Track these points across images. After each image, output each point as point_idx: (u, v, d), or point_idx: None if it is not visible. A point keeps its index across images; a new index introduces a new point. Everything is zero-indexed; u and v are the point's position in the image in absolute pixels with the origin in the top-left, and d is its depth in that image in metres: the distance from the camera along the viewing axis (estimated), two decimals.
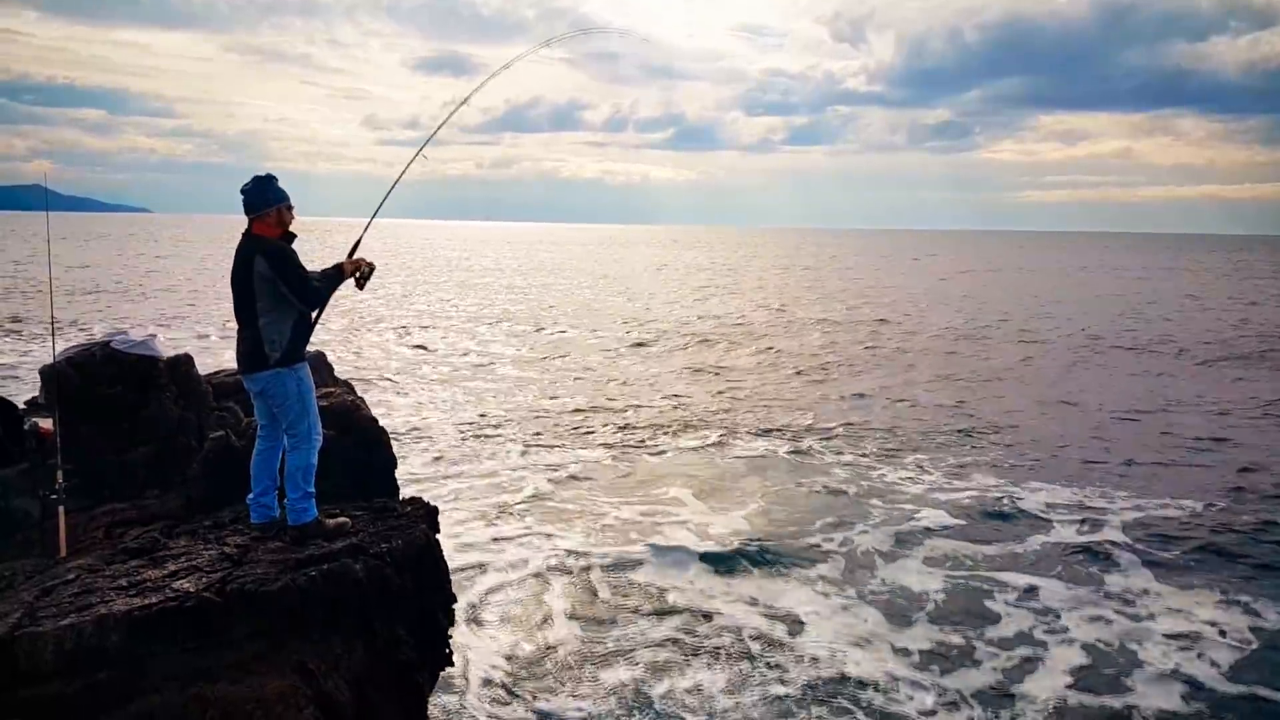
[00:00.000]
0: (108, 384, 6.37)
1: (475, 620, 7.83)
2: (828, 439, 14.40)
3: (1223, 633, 7.71)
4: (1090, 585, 8.68)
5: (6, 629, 4.08)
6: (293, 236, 5.43)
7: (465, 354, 23.29)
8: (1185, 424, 15.61)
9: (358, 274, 5.55)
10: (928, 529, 10.13)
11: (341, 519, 5.37)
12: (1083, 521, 10.37)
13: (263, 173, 5.37)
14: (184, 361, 6.94)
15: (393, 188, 6.04)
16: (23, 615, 4.22)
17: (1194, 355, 23.74)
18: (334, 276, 5.44)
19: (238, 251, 5.29)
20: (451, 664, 5.75)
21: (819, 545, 9.63)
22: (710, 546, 9.57)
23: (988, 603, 8.32)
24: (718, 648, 7.43)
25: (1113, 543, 9.68)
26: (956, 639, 7.63)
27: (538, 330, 28.74)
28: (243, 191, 5.29)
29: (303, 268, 5.26)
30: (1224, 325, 31.16)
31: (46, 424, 5.95)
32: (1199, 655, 7.34)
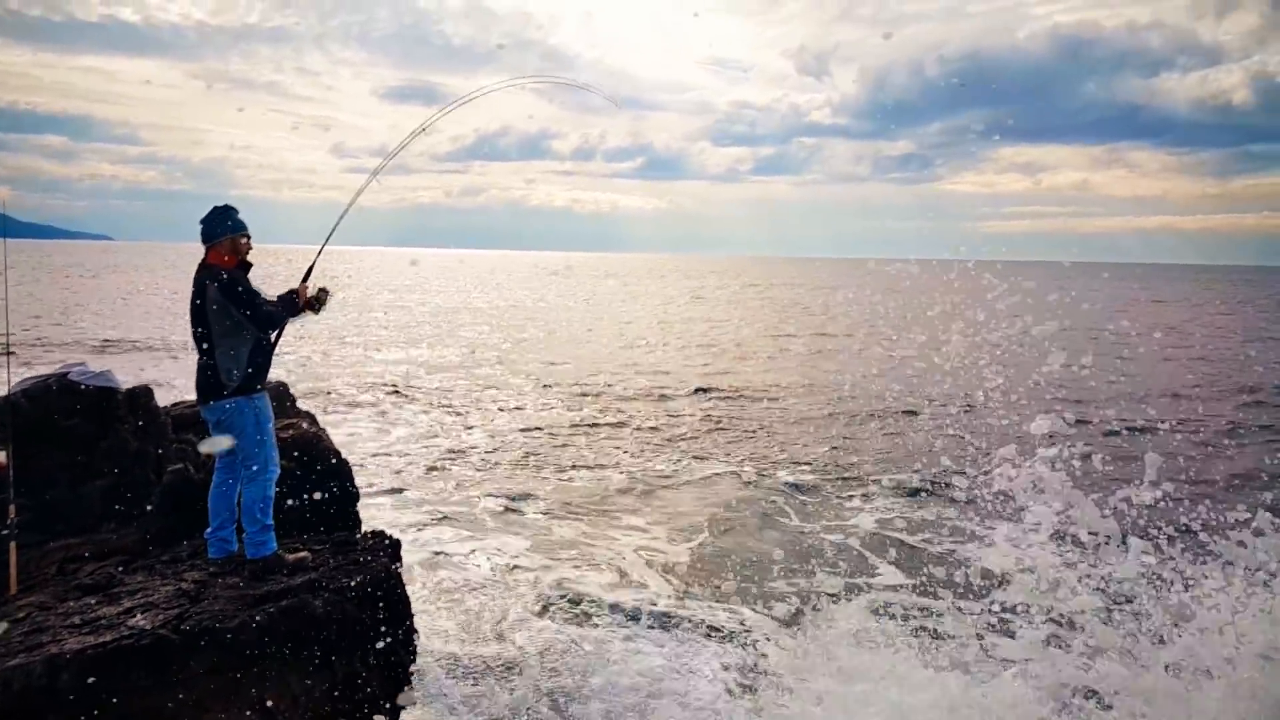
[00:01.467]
0: (64, 416, 6.28)
1: (439, 654, 7.73)
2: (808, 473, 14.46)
3: None
4: None
5: None
6: (248, 266, 5.46)
7: (433, 385, 23.15)
8: None
9: (313, 299, 5.55)
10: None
11: (302, 554, 5.32)
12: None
13: (222, 203, 5.44)
14: (143, 393, 6.85)
15: (343, 215, 6.06)
16: None
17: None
18: (288, 301, 5.44)
19: (194, 281, 5.32)
20: (414, 700, 5.67)
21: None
22: (681, 580, 9.53)
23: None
24: (685, 693, 7.38)
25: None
26: None
27: (502, 362, 28.65)
28: (200, 222, 5.33)
29: (254, 292, 5.28)
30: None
31: None
32: None
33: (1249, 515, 7.18)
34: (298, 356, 26.47)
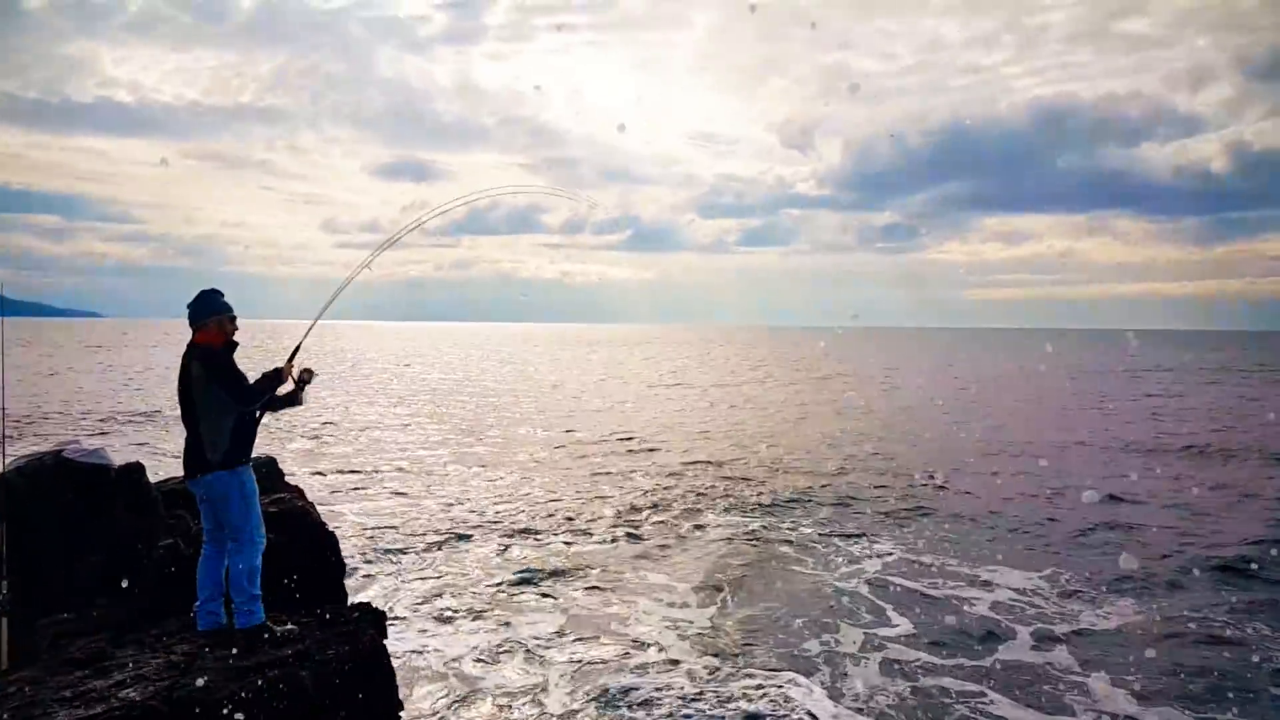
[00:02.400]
0: (58, 493, 6.40)
1: None
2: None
3: None
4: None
5: None
6: (234, 345, 5.73)
7: (420, 459, 23.22)
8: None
9: (297, 379, 5.81)
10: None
11: (289, 627, 5.44)
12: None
13: (209, 286, 5.75)
14: (135, 470, 7.00)
15: (334, 298, 6.37)
16: None
17: None
18: (271, 377, 5.68)
19: (182, 360, 5.59)
20: None
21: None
22: (680, 646, 9.57)
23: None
24: None
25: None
26: None
27: (492, 435, 28.74)
28: (188, 306, 5.64)
29: (237, 369, 5.54)
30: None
31: None
32: None
33: None
34: (303, 430, 26.55)
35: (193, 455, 5.50)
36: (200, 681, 4.65)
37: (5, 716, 4.37)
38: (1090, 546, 14.09)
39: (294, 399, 5.90)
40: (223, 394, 5.44)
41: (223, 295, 5.73)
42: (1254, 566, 12.53)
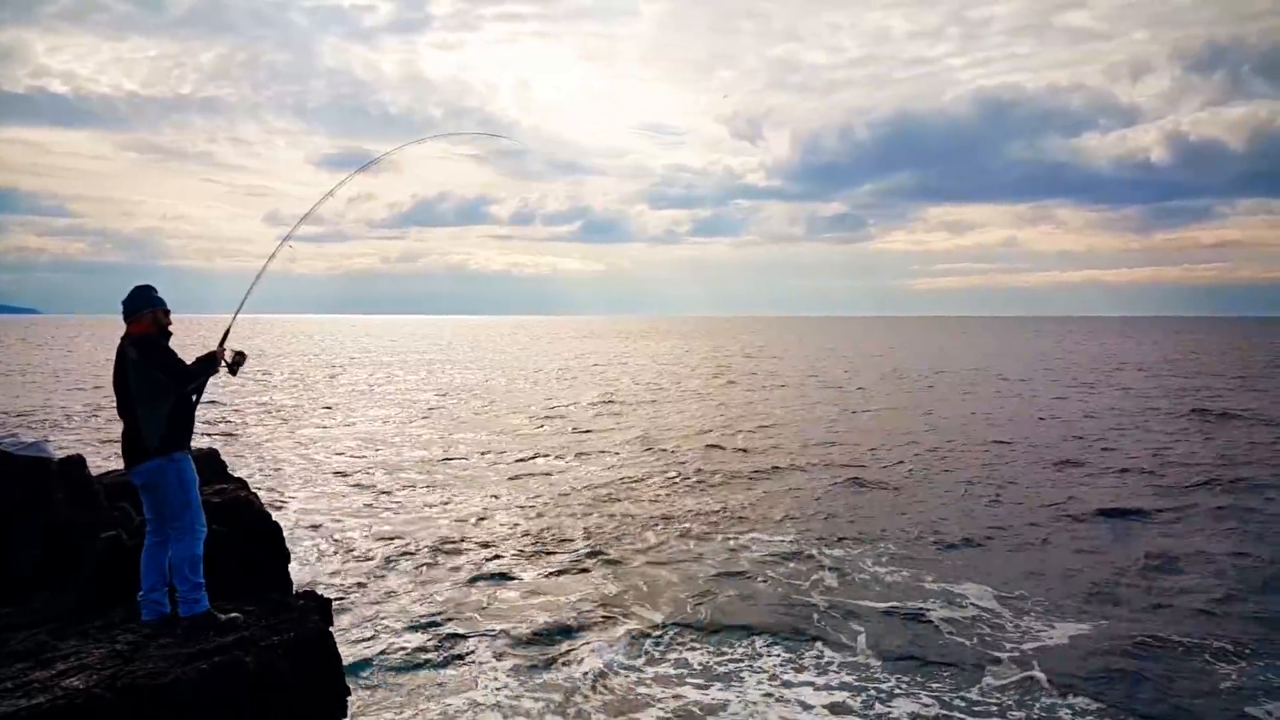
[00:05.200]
0: None
1: (369, 712, 7.84)
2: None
3: None
4: None
5: None
6: (169, 335, 5.83)
7: (366, 448, 23.11)
8: None
9: (230, 362, 5.95)
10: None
11: (233, 614, 5.50)
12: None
13: (144, 281, 5.85)
14: (75, 462, 6.96)
15: (256, 280, 6.58)
16: None
17: None
18: (205, 360, 5.82)
19: (117, 351, 5.69)
20: None
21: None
22: (631, 644, 9.61)
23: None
24: None
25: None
26: None
27: (433, 423, 28.67)
28: (123, 302, 5.73)
29: (172, 352, 5.64)
30: None
31: None
32: None
33: None
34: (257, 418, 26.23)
35: (131, 444, 5.59)
36: (145, 668, 4.70)
37: None
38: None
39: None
40: (160, 375, 5.53)
41: (155, 290, 5.84)
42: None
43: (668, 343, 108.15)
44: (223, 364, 5.92)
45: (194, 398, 5.82)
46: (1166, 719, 7.85)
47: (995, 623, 10.01)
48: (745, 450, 22.45)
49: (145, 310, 5.71)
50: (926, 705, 8.07)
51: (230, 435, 24.65)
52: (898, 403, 34.01)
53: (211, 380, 6.10)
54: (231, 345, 6.03)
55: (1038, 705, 8.07)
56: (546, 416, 30.09)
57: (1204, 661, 8.94)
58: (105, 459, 16.97)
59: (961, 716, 7.88)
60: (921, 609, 10.37)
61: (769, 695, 8.27)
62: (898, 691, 8.32)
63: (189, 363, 5.70)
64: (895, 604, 10.58)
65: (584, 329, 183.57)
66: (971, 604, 10.58)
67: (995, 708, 8.01)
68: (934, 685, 8.47)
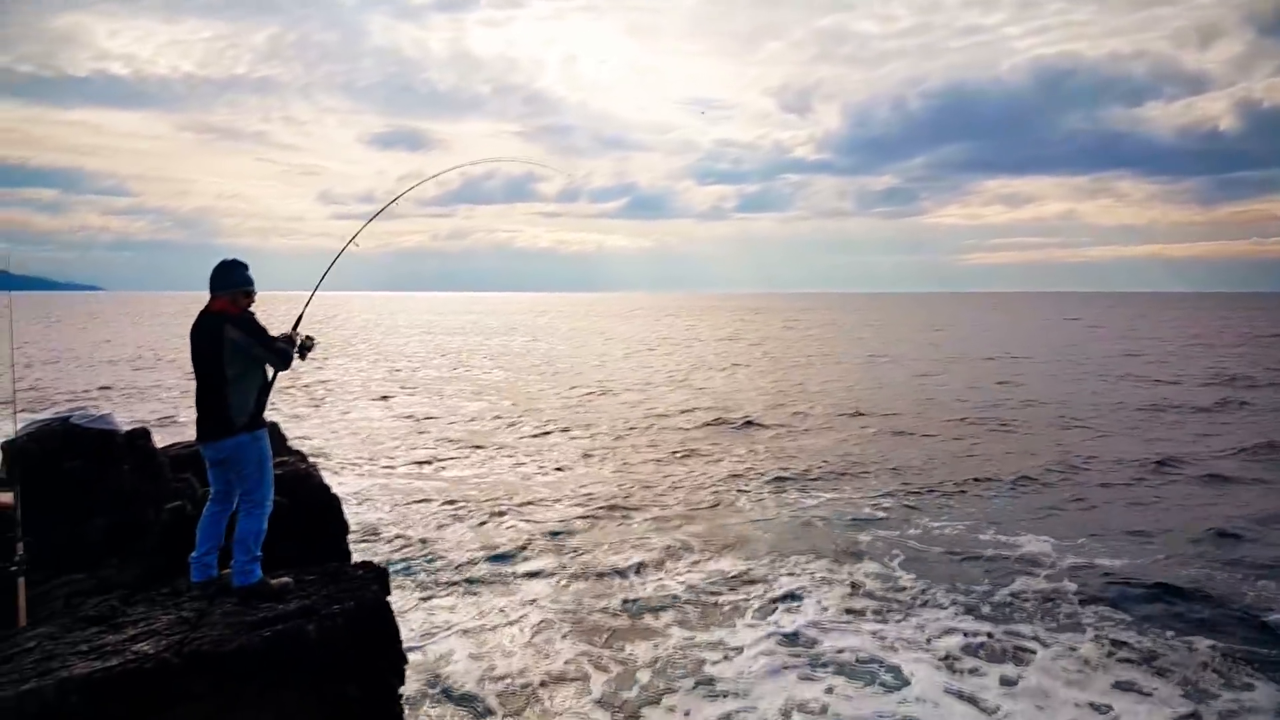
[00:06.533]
0: (67, 458, 6.58)
1: (428, 680, 8.00)
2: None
3: None
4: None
5: None
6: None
7: (424, 422, 23.42)
8: None
9: (301, 346, 5.97)
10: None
11: (285, 579, 5.63)
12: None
13: (230, 256, 5.81)
14: (141, 435, 7.17)
15: (330, 268, 6.55)
16: None
17: None
18: (289, 341, 5.84)
19: (200, 325, 5.66)
20: None
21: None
22: (679, 600, 9.84)
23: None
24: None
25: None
26: None
27: (498, 399, 28.93)
28: (215, 270, 5.68)
29: (271, 334, 5.69)
30: None
31: (6, 497, 6.12)
32: None
33: None
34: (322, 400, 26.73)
35: (214, 419, 5.58)
36: (210, 635, 4.84)
37: (29, 667, 4.56)
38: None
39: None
40: (263, 354, 5.59)
41: (248, 269, 5.79)
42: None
43: (745, 320, 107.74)
44: (295, 348, 5.94)
45: (271, 378, 5.91)
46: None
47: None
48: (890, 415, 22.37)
49: (239, 288, 5.66)
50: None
51: (297, 407, 25.15)
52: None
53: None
54: (303, 329, 6.04)
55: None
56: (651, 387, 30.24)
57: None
58: (170, 432, 17.41)
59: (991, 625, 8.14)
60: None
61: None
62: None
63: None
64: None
65: (657, 306, 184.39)
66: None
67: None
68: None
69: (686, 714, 7.47)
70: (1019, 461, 17.66)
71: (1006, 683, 7.94)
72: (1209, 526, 12.57)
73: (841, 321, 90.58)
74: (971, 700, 7.63)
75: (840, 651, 8.64)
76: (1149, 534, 12.40)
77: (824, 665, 8.35)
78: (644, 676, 8.13)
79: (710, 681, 8.02)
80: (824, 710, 7.53)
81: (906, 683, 7.97)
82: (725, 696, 7.76)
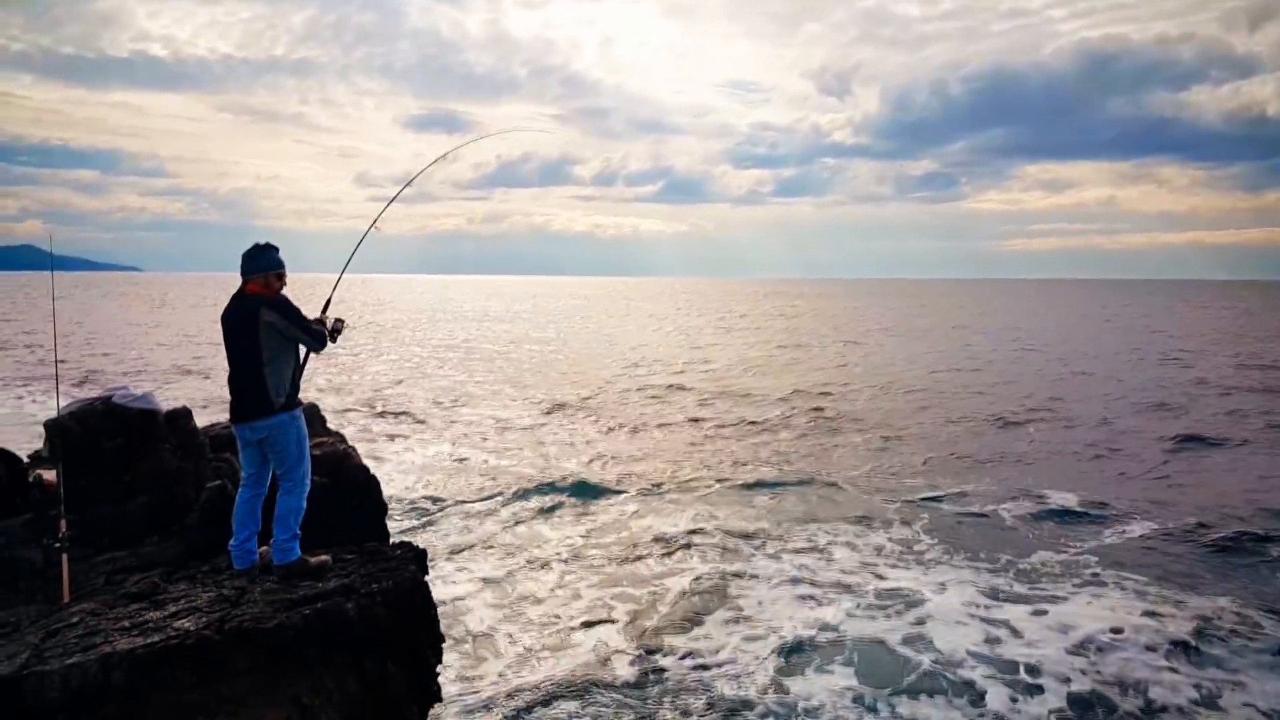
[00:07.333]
0: (109, 437, 6.62)
1: (464, 657, 8.01)
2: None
3: None
4: None
5: (14, 668, 4.29)
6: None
7: (462, 406, 23.52)
8: None
9: (332, 329, 5.98)
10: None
11: (323, 557, 5.63)
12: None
13: (263, 240, 5.82)
14: (182, 414, 7.20)
15: (355, 251, 6.52)
16: (30, 656, 4.44)
17: None
18: (321, 324, 5.87)
19: (234, 307, 5.67)
20: (440, 699, 5.94)
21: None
22: (703, 595, 9.75)
23: None
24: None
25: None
26: None
27: (535, 384, 28.99)
28: (246, 255, 5.70)
29: (306, 317, 5.71)
30: None
31: (50, 475, 6.17)
32: None
33: None
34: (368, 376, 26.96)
35: (252, 399, 5.59)
36: (251, 612, 4.84)
37: (73, 641, 4.59)
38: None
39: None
40: (301, 336, 5.62)
41: (278, 251, 5.80)
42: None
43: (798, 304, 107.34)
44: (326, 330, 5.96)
45: (304, 358, 5.92)
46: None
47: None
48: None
49: (264, 273, 5.66)
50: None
51: (336, 388, 25.36)
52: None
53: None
54: (333, 313, 6.05)
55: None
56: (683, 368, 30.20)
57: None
58: (210, 413, 17.61)
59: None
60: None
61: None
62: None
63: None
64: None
65: (717, 291, 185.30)
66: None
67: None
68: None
69: (709, 636, 8.29)
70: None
71: (1025, 614, 8.83)
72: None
73: (934, 306, 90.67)
74: (992, 623, 8.55)
75: (860, 586, 9.57)
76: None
77: (842, 593, 9.36)
78: (665, 608, 8.92)
79: (736, 607, 9.00)
80: (838, 628, 8.44)
81: (928, 614, 8.78)
82: (747, 621, 8.65)
